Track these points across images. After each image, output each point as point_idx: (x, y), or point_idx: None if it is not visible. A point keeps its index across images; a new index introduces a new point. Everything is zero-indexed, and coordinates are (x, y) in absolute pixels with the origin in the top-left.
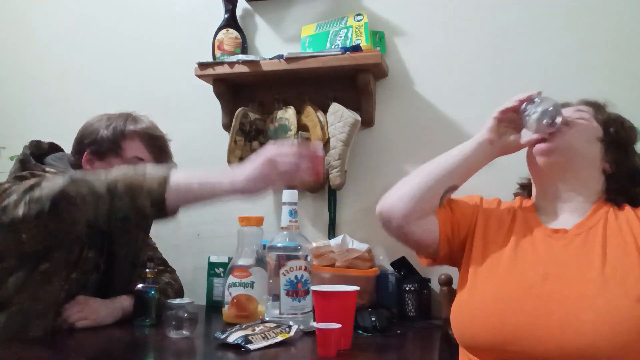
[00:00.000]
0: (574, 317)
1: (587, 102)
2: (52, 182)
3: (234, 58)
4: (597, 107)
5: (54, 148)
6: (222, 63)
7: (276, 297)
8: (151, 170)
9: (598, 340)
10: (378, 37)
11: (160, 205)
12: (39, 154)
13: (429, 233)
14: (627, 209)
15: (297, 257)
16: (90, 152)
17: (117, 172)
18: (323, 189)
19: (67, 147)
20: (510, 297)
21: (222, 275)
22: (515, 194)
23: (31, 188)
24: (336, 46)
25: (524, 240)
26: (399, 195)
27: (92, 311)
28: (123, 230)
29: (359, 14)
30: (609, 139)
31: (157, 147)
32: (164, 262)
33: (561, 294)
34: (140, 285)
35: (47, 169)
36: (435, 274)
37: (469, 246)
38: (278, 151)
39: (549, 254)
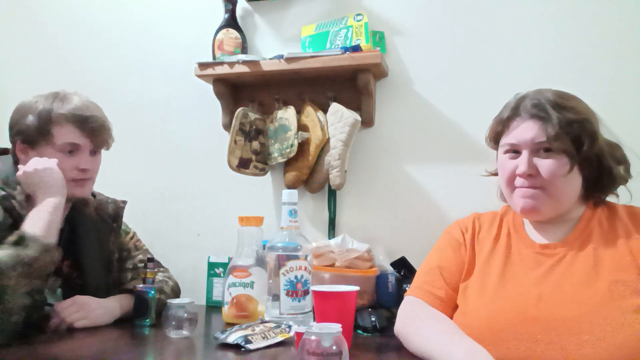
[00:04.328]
0: (575, 338)
1: (534, 116)
2: None
3: (234, 58)
4: (545, 118)
5: (3, 151)
6: (222, 63)
7: (276, 297)
8: None
9: None
10: (378, 37)
11: None
12: None
13: None
14: (621, 213)
15: (297, 257)
16: (20, 141)
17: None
18: (323, 189)
19: None
20: (505, 323)
21: (222, 275)
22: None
23: None
24: (336, 46)
25: (513, 258)
26: None
27: (90, 311)
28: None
29: (359, 14)
30: (576, 151)
31: (90, 129)
32: (156, 263)
33: (558, 316)
34: (140, 285)
35: None
36: None
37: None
38: None
39: (541, 272)
